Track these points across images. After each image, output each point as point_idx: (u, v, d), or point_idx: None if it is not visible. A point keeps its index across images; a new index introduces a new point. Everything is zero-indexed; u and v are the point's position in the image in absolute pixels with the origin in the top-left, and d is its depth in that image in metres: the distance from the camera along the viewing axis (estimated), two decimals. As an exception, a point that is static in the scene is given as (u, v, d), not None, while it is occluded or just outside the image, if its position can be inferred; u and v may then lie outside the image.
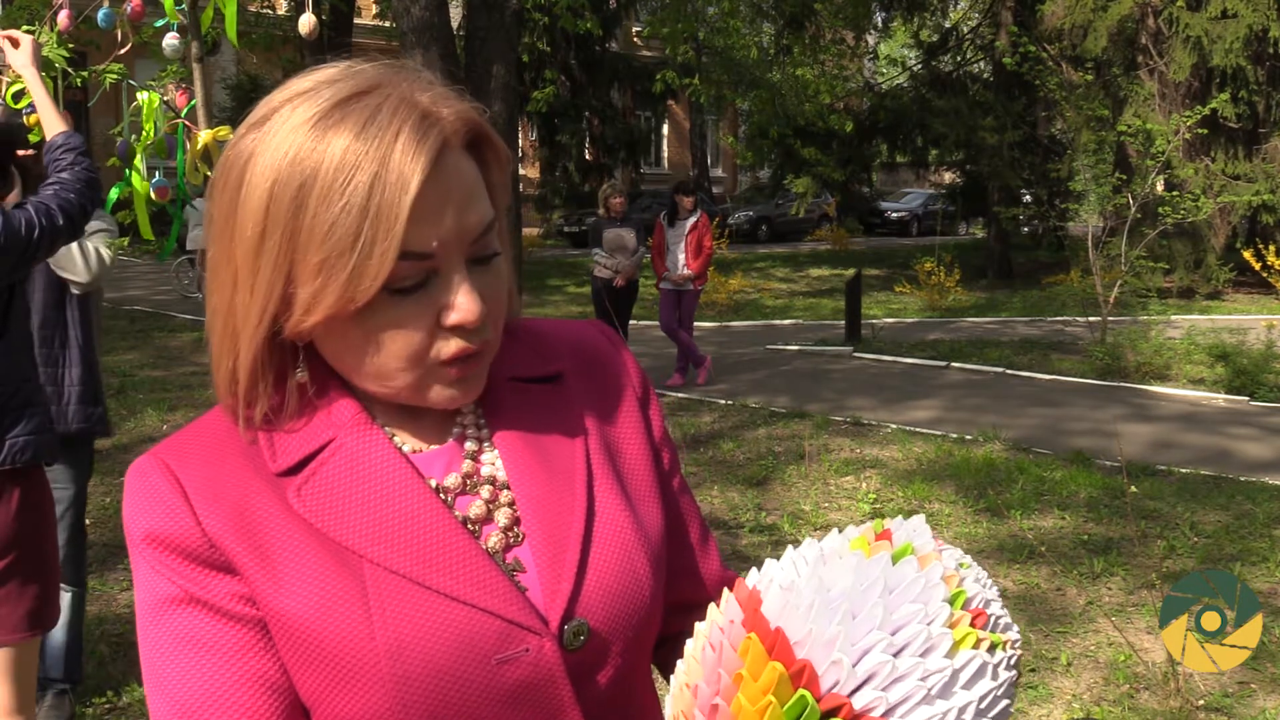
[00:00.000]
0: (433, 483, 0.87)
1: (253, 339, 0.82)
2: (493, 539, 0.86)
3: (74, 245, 3.04)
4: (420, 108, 0.80)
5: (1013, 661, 0.76)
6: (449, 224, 0.80)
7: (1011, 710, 0.76)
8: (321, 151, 0.77)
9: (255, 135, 0.81)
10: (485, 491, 0.88)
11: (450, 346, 0.82)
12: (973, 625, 0.74)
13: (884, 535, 0.79)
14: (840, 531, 0.80)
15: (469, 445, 0.90)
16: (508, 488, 0.88)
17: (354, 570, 0.81)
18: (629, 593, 0.87)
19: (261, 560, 0.81)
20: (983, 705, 0.72)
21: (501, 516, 0.87)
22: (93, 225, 3.10)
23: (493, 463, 0.89)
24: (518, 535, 0.87)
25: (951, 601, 0.74)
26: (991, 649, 0.74)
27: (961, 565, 0.78)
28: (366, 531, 0.82)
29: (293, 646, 0.81)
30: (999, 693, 0.73)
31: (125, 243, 3.00)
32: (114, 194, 2.73)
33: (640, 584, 0.88)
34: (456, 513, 0.86)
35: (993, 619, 0.76)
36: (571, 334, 1.01)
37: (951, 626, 0.72)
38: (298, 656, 0.81)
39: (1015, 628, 0.78)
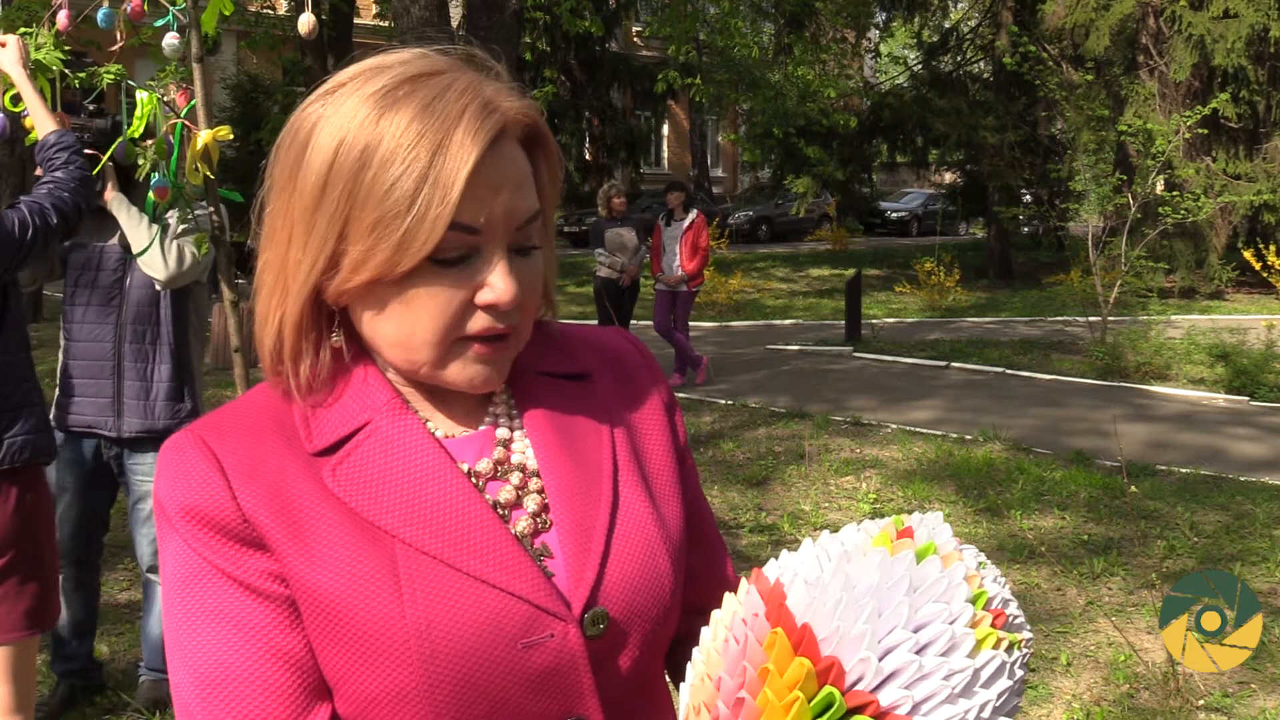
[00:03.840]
0: (464, 467, 0.89)
1: (300, 293, 0.85)
2: (521, 524, 0.88)
3: (157, 242, 3.05)
4: (484, 95, 0.83)
5: (1026, 660, 0.78)
6: (498, 205, 0.83)
7: (1020, 707, 0.77)
8: (389, 119, 0.81)
9: (325, 101, 0.84)
10: (515, 478, 0.90)
11: (478, 322, 0.84)
12: (993, 625, 0.75)
13: (905, 533, 0.79)
14: (859, 527, 0.81)
15: (501, 432, 0.92)
16: (537, 475, 0.90)
17: (386, 550, 0.83)
18: (649, 585, 0.89)
19: (295, 537, 0.83)
20: (999, 703, 0.73)
21: (530, 503, 0.89)
22: (183, 226, 3.08)
23: (523, 451, 0.92)
24: (545, 522, 0.89)
25: (974, 601, 0.75)
26: (1009, 649, 0.75)
27: (981, 565, 0.79)
28: (399, 512, 0.84)
29: (322, 623, 0.82)
30: (1014, 690, 0.75)
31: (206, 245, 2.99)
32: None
33: (661, 578, 0.90)
34: (487, 496, 0.88)
35: (1010, 619, 0.78)
36: (600, 339, 1.04)
37: (974, 626, 0.73)
38: (327, 633, 0.82)
39: (1028, 626, 0.80)
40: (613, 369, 1.01)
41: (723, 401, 8.53)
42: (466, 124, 0.80)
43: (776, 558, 0.80)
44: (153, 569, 3.34)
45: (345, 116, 0.82)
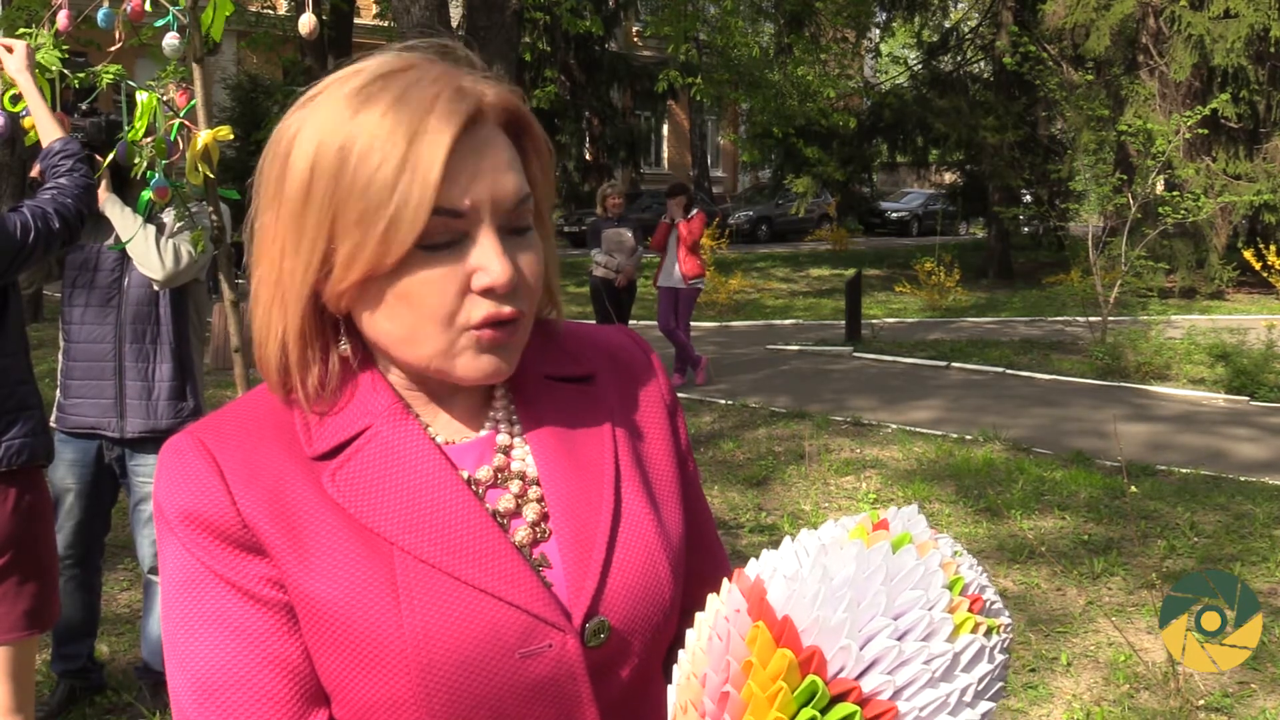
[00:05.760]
0: (464, 474, 0.88)
1: (299, 302, 0.84)
2: (520, 533, 0.87)
3: (152, 241, 3.04)
4: (458, 82, 0.83)
5: (1006, 644, 0.79)
6: (482, 187, 0.82)
7: (1005, 691, 0.78)
8: (364, 114, 0.81)
9: (304, 111, 0.84)
10: (515, 486, 0.89)
11: (480, 310, 0.83)
12: (970, 610, 0.76)
13: (881, 525, 0.81)
14: (837, 522, 0.82)
15: (501, 439, 0.91)
16: (537, 483, 0.90)
17: (384, 557, 0.82)
18: (650, 594, 0.89)
19: (293, 542, 0.82)
20: (981, 686, 0.74)
21: (530, 512, 0.89)
22: (178, 225, 3.07)
23: (523, 458, 0.91)
24: (545, 531, 0.88)
25: (950, 587, 0.76)
26: (988, 633, 0.76)
27: (956, 553, 0.80)
28: (398, 519, 0.83)
29: (320, 629, 0.82)
30: (995, 674, 0.76)
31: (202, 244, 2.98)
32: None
33: (661, 586, 0.90)
34: (487, 505, 0.87)
35: (988, 604, 0.79)
36: (604, 339, 1.02)
37: (951, 611, 0.75)
38: (324, 640, 0.82)
39: (1006, 612, 0.81)
40: (616, 369, 1.00)
41: (723, 401, 8.53)
42: (440, 109, 0.80)
43: None
44: (154, 570, 3.34)
45: (322, 119, 0.82)
